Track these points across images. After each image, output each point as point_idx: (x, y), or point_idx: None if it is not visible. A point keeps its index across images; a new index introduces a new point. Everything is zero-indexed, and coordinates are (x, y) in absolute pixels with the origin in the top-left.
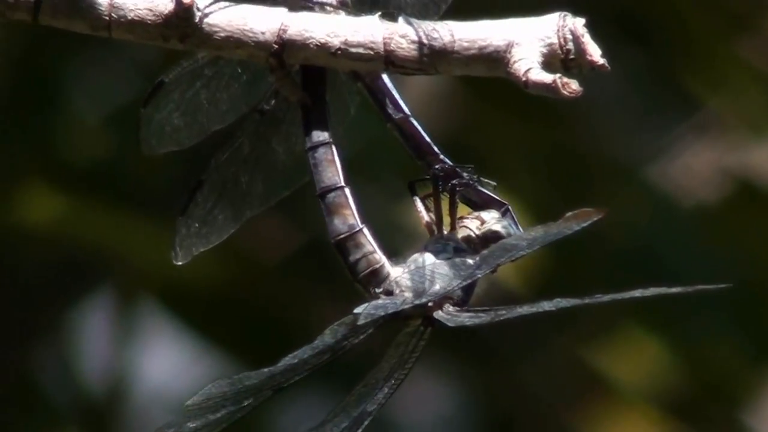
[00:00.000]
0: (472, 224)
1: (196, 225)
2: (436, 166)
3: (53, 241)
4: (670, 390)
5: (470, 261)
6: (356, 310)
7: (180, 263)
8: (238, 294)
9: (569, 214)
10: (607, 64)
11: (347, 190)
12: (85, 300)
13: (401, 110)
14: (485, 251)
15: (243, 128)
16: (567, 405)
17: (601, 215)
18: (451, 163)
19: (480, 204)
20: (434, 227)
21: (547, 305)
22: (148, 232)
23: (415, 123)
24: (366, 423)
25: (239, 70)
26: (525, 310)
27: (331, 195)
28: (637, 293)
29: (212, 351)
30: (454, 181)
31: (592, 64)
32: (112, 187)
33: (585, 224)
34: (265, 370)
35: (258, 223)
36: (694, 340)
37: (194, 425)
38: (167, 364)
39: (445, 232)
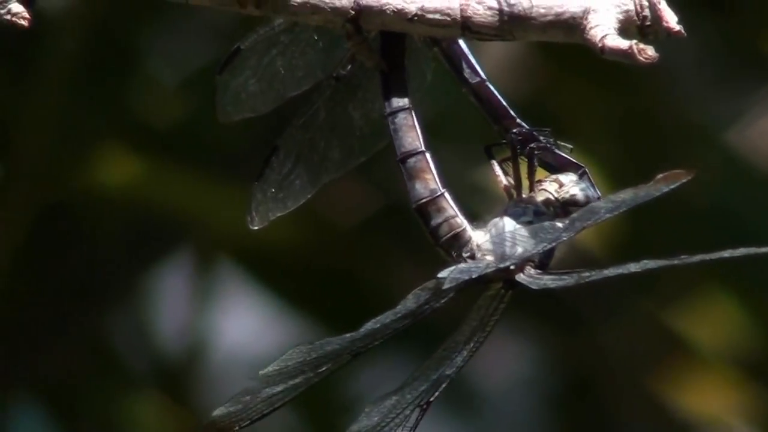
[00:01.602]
0: (551, 187)
1: (273, 190)
2: (514, 130)
3: (130, 204)
4: (751, 353)
5: (557, 224)
6: (440, 275)
7: (256, 228)
8: (315, 256)
9: (659, 176)
10: (683, 31)
11: (428, 155)
12: (162, 263)
13: (478, 75)
14: (574, 215)
15: (319, 94)
16: (647, 368)
17: (691, 177)
18: (527, 127)
19: (557, 167)
20: (513, 191)
21: (633, 267)
22: (226, 195)
23: (492, 87)
24: (444, 386)
25: (315, 37)
26: (611, 271)
27: (412, 160)
28: (726, 254)
29: (290, 313)
30: (531, 145)
31: (669, 31)
32: (189, 150)
33: (674, 186)
34: (347, 335)
35: (336, 186)
36: None
37: (273, 390)
38: (245, 326)
39: (524, 196)
